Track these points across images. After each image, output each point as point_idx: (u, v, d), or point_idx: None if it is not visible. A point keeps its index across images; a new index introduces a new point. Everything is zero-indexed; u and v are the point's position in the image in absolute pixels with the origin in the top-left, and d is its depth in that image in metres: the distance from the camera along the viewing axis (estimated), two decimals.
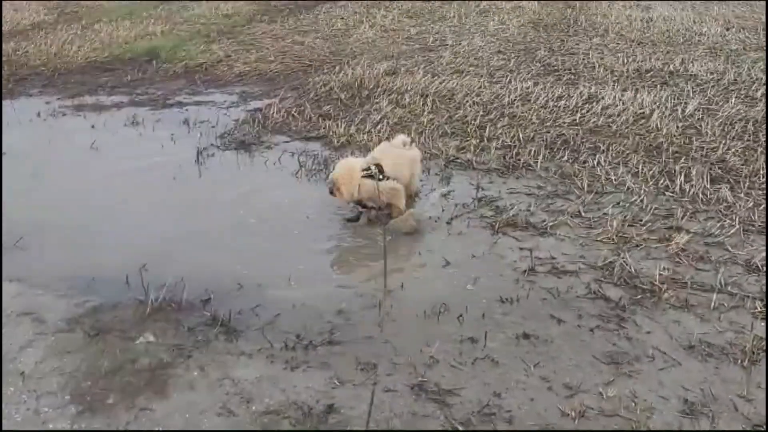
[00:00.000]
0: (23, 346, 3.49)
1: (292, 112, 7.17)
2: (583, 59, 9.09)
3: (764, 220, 4.86)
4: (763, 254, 4.41)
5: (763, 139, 6.26)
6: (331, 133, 6.59)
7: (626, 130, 6.52)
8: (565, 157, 5.93)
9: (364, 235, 4.75)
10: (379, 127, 6.66)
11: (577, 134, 6.43)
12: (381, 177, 4.71)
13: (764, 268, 4.26)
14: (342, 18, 12.30)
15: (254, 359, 3.46)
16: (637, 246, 4.55)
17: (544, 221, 4.85)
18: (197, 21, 12.20)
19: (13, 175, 5.74)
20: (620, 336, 3.67)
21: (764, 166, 5.71)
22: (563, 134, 6.43)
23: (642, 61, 8.85)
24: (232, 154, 6.25)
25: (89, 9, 13.73)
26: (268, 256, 4.47)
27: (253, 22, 12.09)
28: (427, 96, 7.57)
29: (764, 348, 3.54)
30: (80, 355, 3.43)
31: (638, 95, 7.44)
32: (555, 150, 6.09)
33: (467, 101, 7.39)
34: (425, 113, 7.05)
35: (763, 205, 5.06)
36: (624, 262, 4.32)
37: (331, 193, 4.86)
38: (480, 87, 7.86)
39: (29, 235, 4.65)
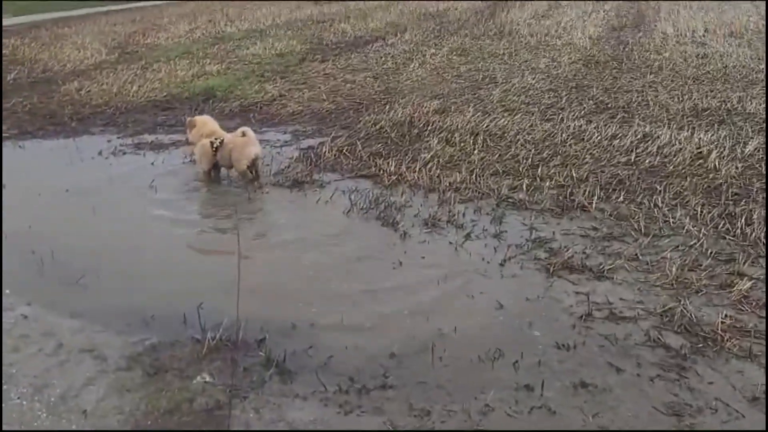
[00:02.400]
0: (85, 384, 3.57)
1: (344, 151, 7.26)
2: (637, 97, 9.01)
3: None
4: None
5: None
6: (381, 172, 6.64)
7: (683, 171, 6.39)
8: (621, 198, 5.84)
9: (412, 279, 4.73)
10: (429, 165, 6.68)
11: (632, 174, 6.33)
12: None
13: None
14: (392, 56, 12.50)
15: (308, 402, 3.46)
16: (697, 292, 4.42)
17: (600, 264, 4.76)
18: (252, 60, 12.57)
19: (75, 213, 5.96)
20: (681, 386, 3.55)
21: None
22: (618, 174, 6.34)
23: (698, 99, 8.72)
24: (285, 192, 6.35)
25: (149, 49, 14.26)
26: (319, 297, 4.49)
27: (306, 61, 12.38)
28: (477, 134, 7.59)
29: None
30: (139, 393, 3.49)
31: (695, 134, 7.31)
32: (610, 190, 6.00)
33: (519, 139, 7.38)
34: (476, 151, 7.05)
35: None
36: (684, 308, 4.19)
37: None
38: (531, 125, 7.85)
39: (90, 273, 4.78)
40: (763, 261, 4.78)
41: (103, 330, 4.10)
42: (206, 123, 6.73)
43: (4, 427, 3.19)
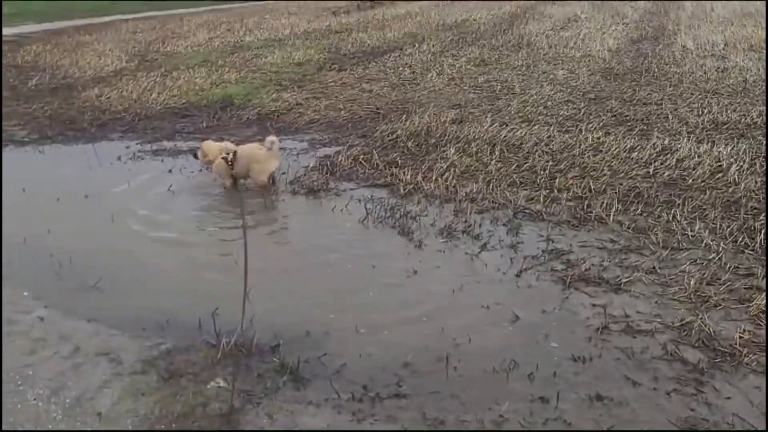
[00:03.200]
0: (100, 386, 3.59)
1: (360, 160, 7.28)
2: (656, 109, 8.96)
3: None
4: None
5: None
6: (397, 181, 6.64)
7: (702, 184, 6.33)
8: (639, 211, 5.79)
9: (427, 288, 4.72)
10: (446, 175, 6.67)
11: (650, 187, 6.28)
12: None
13: None
14: (409, 66, 12.53)
15: (321, 409, 3.46)
16: (715, 306, 4.37)
17: (617, 277, 4.72)
18: (270, 69, 12.64)
19: (94, 218, 6.01)
20: (698, 401, 3.51)
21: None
22: (636, 186, 6.29)
23: (718, 113, 8.65)
24: (301, 200, 6.37)
25: (168, 57, 14.40)
26: (334, 305, 4.49)
27: (323, 71, 12.44)
28: (495, 145, 7.58)
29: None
30: (154, 397, 3.51)
31: (714, 148, 7.25)
32: (628, 203, 5.96)
33: (536, 150, 7.36)
34: (493, 162, 7.04)
35: None
36: (702, 322, 4.15)
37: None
38: (549, 136, 7.82)
39: (107, 277, 4.82)
40: None
41: (118, 334, 4.13)
42: (210, 146, 6.72)
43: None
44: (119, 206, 6.26)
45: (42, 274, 4.94)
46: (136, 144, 8.30)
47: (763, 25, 15.88)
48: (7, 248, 5.35)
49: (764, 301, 4.34)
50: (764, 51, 12.76)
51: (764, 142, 7.42)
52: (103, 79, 12.27)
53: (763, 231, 5.31)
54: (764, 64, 11.62)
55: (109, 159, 7.72)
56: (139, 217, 6.02)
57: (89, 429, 3.24)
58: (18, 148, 8.27)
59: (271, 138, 6.48)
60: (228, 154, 6.55)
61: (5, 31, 20.84)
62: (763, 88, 9.97)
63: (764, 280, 4.64)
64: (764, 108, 8.76)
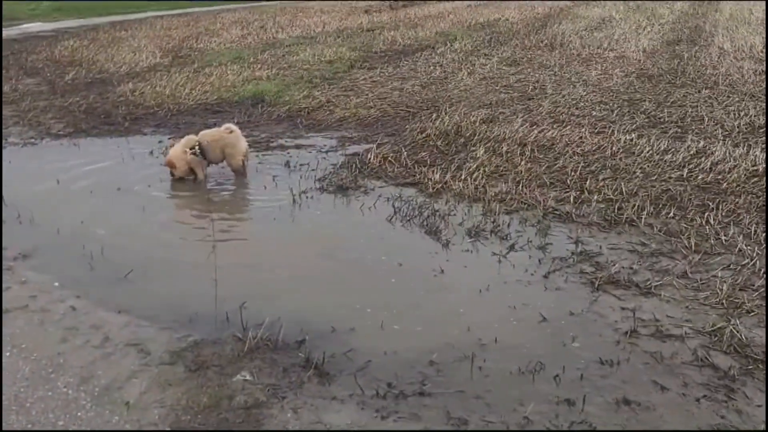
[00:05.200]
0: (129, 377, 3.64)
1: (389, 158, 7.27)
2: (691, 112, 8.81)
3: None
4: None
5: None
6: (426, 180, 6.61)
7: (738, 188, 6.21)
8: (671, 214, 5.70)
9: (453, 287, 4.71)
10: (475, 175, 6.64)
11: (684, 190, 6.18)
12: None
13: None
14: (440, 65, 12.49)
15: (346, 405, 3.46)
16: (748, 312, 4.28)
17: (647, 280, 4.65)
18: (301, 66, 12.70)
19: (126, 210, 6.10)
20: (729, 408, 3.44)
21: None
22: (669, 189, 6.19)
23: (755, 116, 8.47)
24: (329, 197, 6.39)
25: (201, 53, 14.56)
26: (360, 302, 4.49)
27: (354, 69, 12.47)
28: (525, 145, 7.52)
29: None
30: (181, 388, 3.54)
31: (751, 152, 7.10)
32: (660, 206, 5.86)
33: (567, 151, 7.28)
34: (523, 162, 6.98)
35: None
36: (734, 328, 4.06)
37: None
38: (581, 137, 7.73)
39: (138, 269, 4.89)
40: None
41: (148, 325, 4.18)
42: (175, 153, 6.79)
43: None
44: (151, 200, 6.34)
45: (74, 264, 5.02)
46: (169, 139, 8.39)
47: None
48: (42, 239, 5.46)
49: None
50: None
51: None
52: (137, 74, 12.44)
53: None
54: None
55: (142, 153, 7.82)
56: (170, 211, 6.09)
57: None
58: (54, 141, 8.44)
59: (228, 125, 6.96)
60: (194, 147, 6.71)
61: (44, 26, 21.31)
62: None
63: None
64: None
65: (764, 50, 13.06)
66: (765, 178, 6.42)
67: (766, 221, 4.96)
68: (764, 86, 10.11)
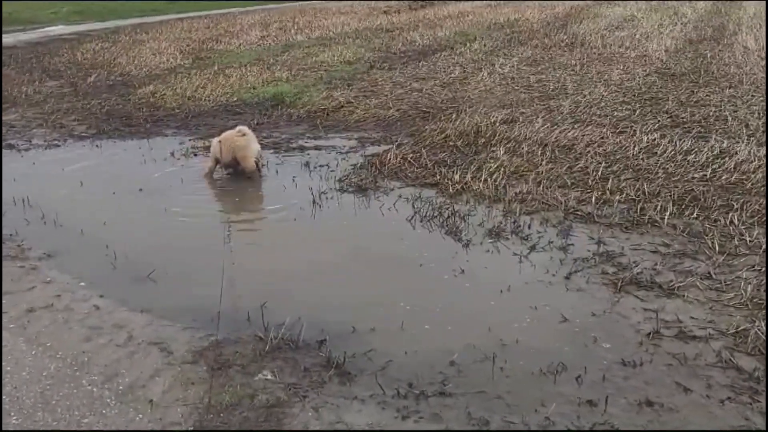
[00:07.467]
0: (152, 375, 3.68)
1: (408, 159, 7.26)
2: (715, 111, 8.70)
3: None
4: None
5: None
6: (446, 180, 6.60)
7: (762, 189, 6.11)
8: (695, 214, 5.63)
9: (474, 288, 4.69)
10: (495, 175, 6.61)
11: (707, 190, 6.10)
12: None
13: None
14: (460, 65, 12.47)
15: (366, 404, 3.46)
16: None
17: (670, 281, 4.60)
18: (320, 68, 12.74)
19: (148, 211, 6.16)
20: (753, 410, 3.39)
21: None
22: (692, 190, 6.12)
23: None
24: (349, 197, 6.40)
25: (221, 55, 14.66)
26: (381, 302, 4.49)
27: (374, 69, 12.48)
28: (546, 145, 7.47)
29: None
30: (203, 387, 3.57)
31: None
32: (683, 206, 5.80)
33: (589, 152, 7.23)
34: (543, 163, 6.94)
35: None
36: (759, 330, 4.00)
37: None
38: (602, 137, 7.67)
39: (160, 269, 4.93)
40: None
41: (170, 324, 4.22)
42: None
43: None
44: (172, 200, 6.40)
45: (98, 264, 5.08)
46: (189, 140, 8.47)
47: None
48: (66, 239, 5.54)
49: None
50: None
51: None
52: (158, 76, 12.56)
53: None
54: None
55: (163, 154, 7.89)
56: (191, 212, 6.14)
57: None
58: (76, 143, 8.55)
59: (240, 127, 7.01)
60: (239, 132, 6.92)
61: (66, 29, 21.57)
62: None
63: None
64: None
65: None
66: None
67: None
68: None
